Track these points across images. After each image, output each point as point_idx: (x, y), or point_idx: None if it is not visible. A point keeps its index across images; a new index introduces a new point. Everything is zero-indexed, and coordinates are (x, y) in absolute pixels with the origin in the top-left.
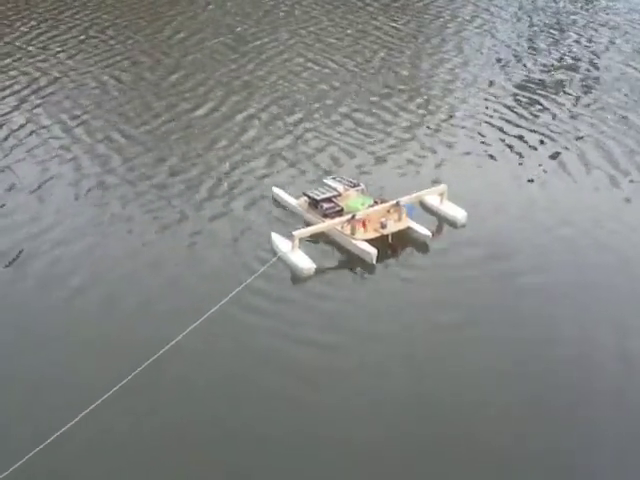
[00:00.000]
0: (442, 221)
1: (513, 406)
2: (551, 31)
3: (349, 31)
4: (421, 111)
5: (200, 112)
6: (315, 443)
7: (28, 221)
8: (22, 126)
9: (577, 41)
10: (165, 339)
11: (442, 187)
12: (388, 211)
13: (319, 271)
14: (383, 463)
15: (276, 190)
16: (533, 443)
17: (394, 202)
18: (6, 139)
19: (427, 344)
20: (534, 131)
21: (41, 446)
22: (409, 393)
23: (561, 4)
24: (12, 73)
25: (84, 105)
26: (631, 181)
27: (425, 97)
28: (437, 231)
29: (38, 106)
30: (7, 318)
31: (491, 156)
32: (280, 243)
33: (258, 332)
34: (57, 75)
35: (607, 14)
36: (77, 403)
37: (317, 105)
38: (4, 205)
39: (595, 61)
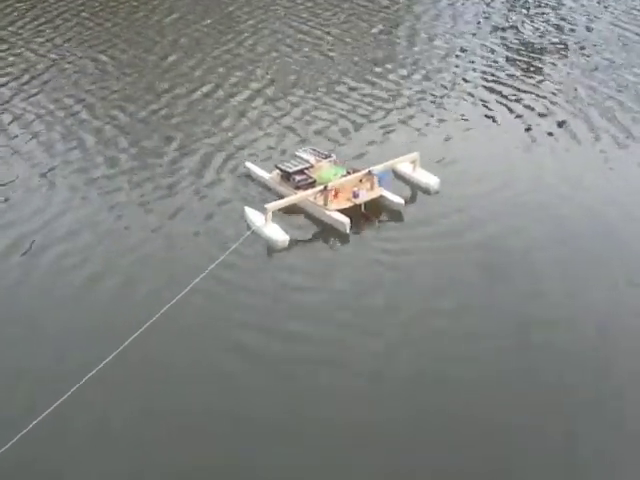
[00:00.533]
0: (415, 189)
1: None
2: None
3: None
4: (403, 81)
5: (181, 91)
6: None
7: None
8: (24, 111)
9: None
10: (142, 320)
11: (414, 155)
12: (360, 180)
13: (293, 243)
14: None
15: (249, 165)
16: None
17: (366, 171)
18: (9, 125)
19: (402, 313)
20: (519, 99)
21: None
22: (386, 369)
23: None
24: (10, 59)
25: (84, 88)
26: (614, 146)
27: (411, 67)
28: (410, 199)
29: (38, 93)
30: None
31: (473, 124)
32: (253, 217)
33: (232, 309)
34: (55, 58)
35: None
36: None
37: (296, 78)
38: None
39: (587, 25)
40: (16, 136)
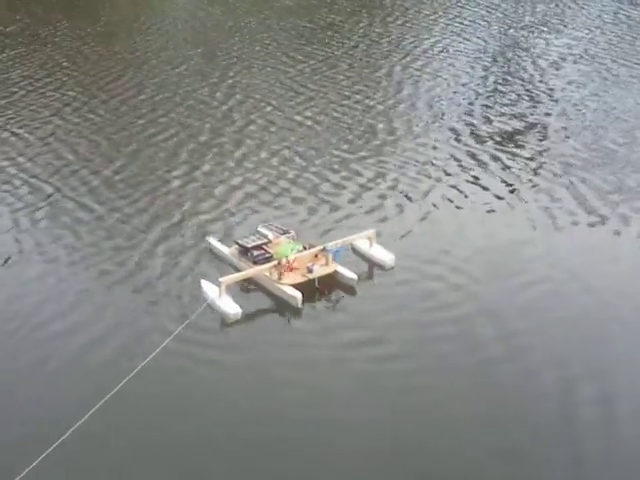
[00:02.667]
0: (372, 265)
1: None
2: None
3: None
4: (365, 156)
5: (146, 154)
6: None
7: None
8: None
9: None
10: (101, 391)
11: (370, 232)
12: (316, 256)
13: (245, 316)
14: None
15: (210, 239)
16: None
17: (321, 247)
18: None
19: (352, 382)
20: (480, 177)
21: None
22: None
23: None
24: None
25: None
26: (574, 223)
27: (378, 142)
28: (366, 275)
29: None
30: None
31: (435, 200)
32: (209, 290)
33: (184, 380)
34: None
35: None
36: None
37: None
38: None
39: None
40: None
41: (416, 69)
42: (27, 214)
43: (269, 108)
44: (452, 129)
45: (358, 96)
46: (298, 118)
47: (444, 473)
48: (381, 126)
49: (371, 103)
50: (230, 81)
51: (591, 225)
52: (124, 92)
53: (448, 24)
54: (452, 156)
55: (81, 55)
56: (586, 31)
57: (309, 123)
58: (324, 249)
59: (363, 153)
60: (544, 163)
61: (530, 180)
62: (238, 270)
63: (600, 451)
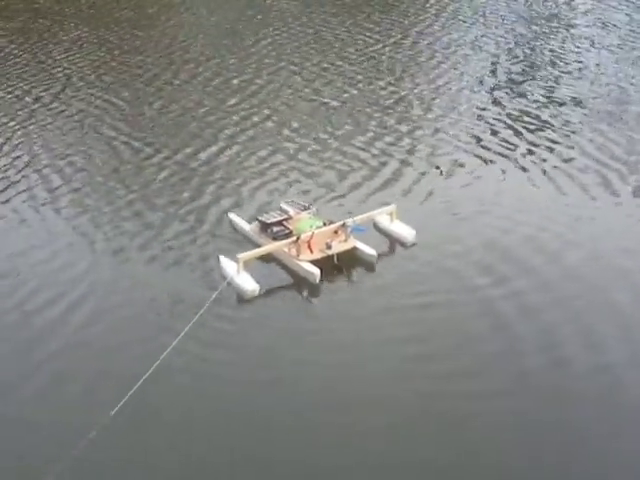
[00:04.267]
0: (392, 241)
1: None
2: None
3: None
4: (384, 130)
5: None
6: None
7: None
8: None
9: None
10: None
11: (391, 207)
12: (335, 232)
13: (263, 292)
14: None
15: (231, 216)
16: None
17: (340, 223)
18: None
19: (365, 361)
20: (508, 153)
21: None
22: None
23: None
24: None
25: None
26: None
27: (401, 119)
28: (386, 250)
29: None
30: None
31: (452, 171)
32: (227, 266)
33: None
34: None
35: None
36: None
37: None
38: None
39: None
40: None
41: (442, 48)
42: (54, 197)
43: (294, 86)
44: (479, 107)
45: (384, 75)
46: (322, 97)
47: None
48: (406, 104)
49: (396, 82)
50: (257, 56)
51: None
52: (153, 68)
53: None
54: (477, 134)
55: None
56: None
57: (333, 101)
58: (344, 225)
59: (389, 130)
60: (576, 142)
61: (560, 158)
62: (258, 246)
63: None
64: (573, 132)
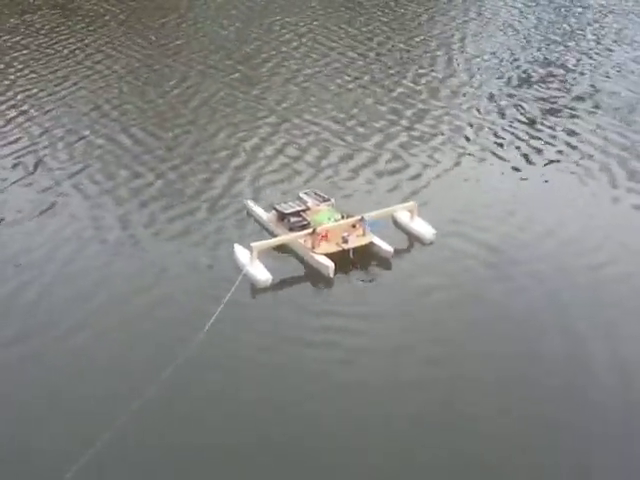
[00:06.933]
0: (411, 238)
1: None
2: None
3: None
4: (411, 128)
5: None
6: None
7: None
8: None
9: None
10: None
11: (411, 204)
12: (353, 226)
13: (276, 283)
14: None
15: (249, 203)
16: None
17: (358, 217)
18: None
19: (369, 359)
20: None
21: None
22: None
23: None
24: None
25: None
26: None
27: (424, 115)
28: (405, 248)
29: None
30: None
31: (479, 170)
32: (241, 255)
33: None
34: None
35: None
36: None
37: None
38: None
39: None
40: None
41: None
42: (76, 178)
43: (313, 78)
44: (500, 103)
45: (405, 67)
46: (341, 88)
47: None
48: (427, 97)
49: (418, 76)
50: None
51: None
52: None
53: None
54: (499, 132)
55: None
56: None
57: (353, 93)
58: (362, 219)
59: (409, 124)
60: (603, 140)
61: (587, 156)
62: (274, 236)
63: None
64: (604, 135)
